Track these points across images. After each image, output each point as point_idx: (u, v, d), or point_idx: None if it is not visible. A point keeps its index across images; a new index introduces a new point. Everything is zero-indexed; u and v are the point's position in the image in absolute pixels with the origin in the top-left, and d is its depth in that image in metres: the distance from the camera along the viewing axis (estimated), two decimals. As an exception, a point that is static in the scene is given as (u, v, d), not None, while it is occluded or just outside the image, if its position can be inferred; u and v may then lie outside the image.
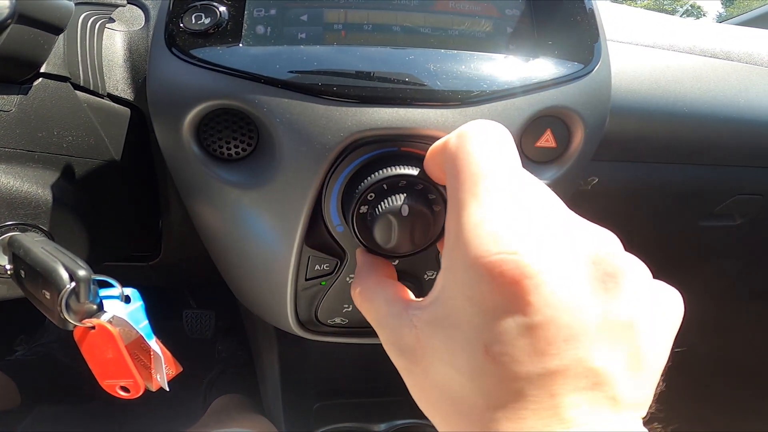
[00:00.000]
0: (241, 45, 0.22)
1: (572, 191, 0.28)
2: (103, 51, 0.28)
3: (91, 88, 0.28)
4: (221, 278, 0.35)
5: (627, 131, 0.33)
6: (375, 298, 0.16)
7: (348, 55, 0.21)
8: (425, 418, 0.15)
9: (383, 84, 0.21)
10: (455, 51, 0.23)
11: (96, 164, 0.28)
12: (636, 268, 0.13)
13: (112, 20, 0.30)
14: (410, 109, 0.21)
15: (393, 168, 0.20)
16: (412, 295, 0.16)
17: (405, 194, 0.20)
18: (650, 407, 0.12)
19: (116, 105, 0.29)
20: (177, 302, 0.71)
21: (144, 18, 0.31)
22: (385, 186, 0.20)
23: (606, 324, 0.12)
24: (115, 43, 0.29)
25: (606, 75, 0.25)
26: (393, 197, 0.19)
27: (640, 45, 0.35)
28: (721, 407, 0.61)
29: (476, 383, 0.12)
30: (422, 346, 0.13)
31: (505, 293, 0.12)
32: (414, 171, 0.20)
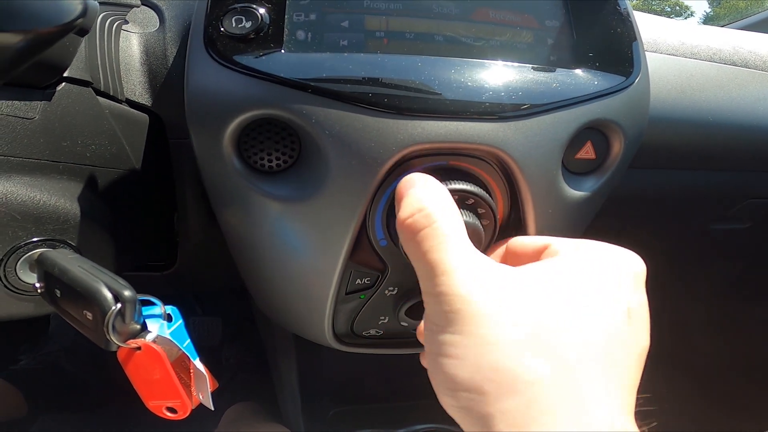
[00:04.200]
0: (283, 51, 0.21)
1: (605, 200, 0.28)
2: (120, 54, 0.27)
3: (111, 93, 0.26)
4: (233, 286, 0.34)
5: (653, 139, 0.33)
6: (451, 239, 0.14)
7: (395, 65, 0.21)
8: (445, 422, 0.14)
9: (434, 96, 0.20)
10: (501, 62, 0.22)
11: (118, 174, 0.27)
12: None
13: (126, 21, 0.29)
14: (462, 123, 0.21)
15: (445, 183, 0.20)
16: None
17: (458, 210, 0.19)
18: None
19: (135, 111, 0.28)
20: (182, 309, 0.69)
21: (158, 20, 0.30)
22: (436, 201, 0.20)
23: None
24: (131, 45, 0.28)
25: (645, 86, 0.25)
26: None
27: (663, 53, 0.36)
28: (723, 405, 0.63)
29: (602, 344, 0.13)
30: (528, 287, 0.14)
31: (641, 271, 0.15)
32: (466, 186, 0.20)
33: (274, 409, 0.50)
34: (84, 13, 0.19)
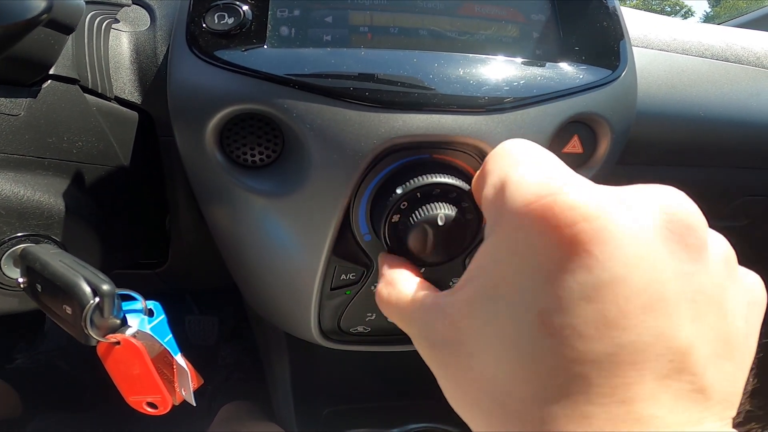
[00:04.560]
0: (265, 46, 0.21)
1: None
2: (109, 52, 0.27)
3: (99, 91, 0.26)
4: (227, 284, 0.34)
5: (644, 135, 0.33)
6: (401, 296, 0.15)
7: (378, 59, 0.21)
8: (438, 421, 0.14)
9: (416, 90, 0.20)
10: (485, 56, 0.22)
11: (106, 170, 0.27)
12: (718, 235, 0.11)
13: (116, 20, 0.29)
14: (444, 116, 0.20)
15: (428, 176, 0.20)
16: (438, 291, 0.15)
17: (441, 203, 0.19)
18: (743, 404, 0.10)
19: (124, 108, 0.28)
20: (178, 308, 0.69)
21: (149, 18, 0.30)
22: (418, 194, 0.20)
23: (690, 292, 0.10)
24: (121, 44, 0.28)
25: (632, 80, 0.25)
26: (429, 206, 0.19)
27: (653, 48, 0.35)
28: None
29: (527, 368, 0.10)
30: (459, 334, 0.11)
31: (562, 242, 0.09)
32: (449, 179, 0.20)
33: (268, 408, 0.50)
34: (49, 9, 0.19)
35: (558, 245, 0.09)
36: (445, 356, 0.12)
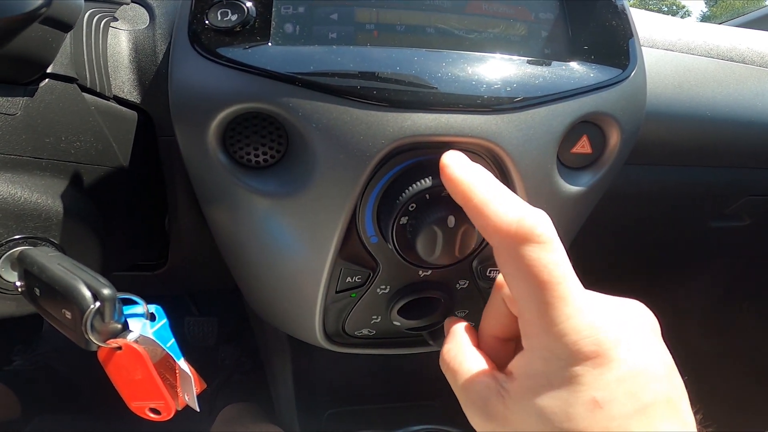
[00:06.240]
0: (270, 44, 0.20)
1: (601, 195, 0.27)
2: (108, 51, 0.27)
3: (98, 90, 0.26)
4: (227, 286, 0.34)
5: (650, 135, 0.33)
6: (462, 365, 0.18)
7: (385, 57, 0.20)
8: (440, 423, 0.15)
9: (424, 89, 0.20)
10: (494, 55, 0.22)
11: (104, 171, 0.27)
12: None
13: (115, 19, 0.29)
14: (453, 115, 0.20)
15: (436, 177, 0.19)
16: (492, 364, 0.18)
17: (450, 205, 0.19)
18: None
19: (123, 108, 0.27)
20: (177, 309, 0.69)
21: (148, 17, 0.29)
22: (427, 196, 0.19)
23: (668, 364, 0.16)
24: (120, 42, 0.28)
25: (642, 80, 0.24)
26: (438, 208, 0.19)
27: (659, 48, 0.35)
28: (723, 404, 0.62)
29: (584, 429, 0.15)
30: (512, 412, 0.16)
31: (605, 358, 0.15)
32: None
33: (270, 409, 0.50)
34: (47, 3, 0.18)
35: (604, 359, 0.15)
36: (498, 426, 0.16)
